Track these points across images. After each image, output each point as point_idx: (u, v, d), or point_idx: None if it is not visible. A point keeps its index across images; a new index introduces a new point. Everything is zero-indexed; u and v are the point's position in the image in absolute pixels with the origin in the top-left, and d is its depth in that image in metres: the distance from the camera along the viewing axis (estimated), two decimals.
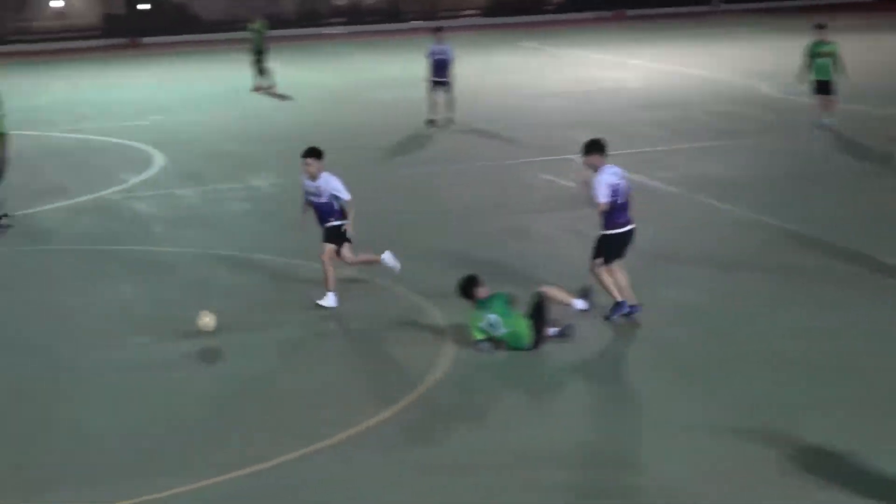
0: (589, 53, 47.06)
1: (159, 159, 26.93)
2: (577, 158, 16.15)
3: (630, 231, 15.68)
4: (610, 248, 15.62)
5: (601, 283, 15.66)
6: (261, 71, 38.18)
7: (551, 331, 14.94)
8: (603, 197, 15.35)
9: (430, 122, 30.62)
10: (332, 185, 16.71)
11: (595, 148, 15.55)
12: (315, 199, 16.87)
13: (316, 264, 17.21)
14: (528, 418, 12.93)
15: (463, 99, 32.56)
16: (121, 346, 15.53)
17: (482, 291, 15.10)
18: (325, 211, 16.84)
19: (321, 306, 16.48)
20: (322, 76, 42.12)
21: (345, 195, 16.73)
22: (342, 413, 13.10)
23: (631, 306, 15.64)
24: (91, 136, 30.34)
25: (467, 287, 15.19)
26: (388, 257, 17.50)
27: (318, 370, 14.53)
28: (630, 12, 62.41)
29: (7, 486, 11.69)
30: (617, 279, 15.66)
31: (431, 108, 30.95)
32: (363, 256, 17.36)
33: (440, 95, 30.94)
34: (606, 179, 15.38)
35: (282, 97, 37.03)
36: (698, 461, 11.61)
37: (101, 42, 52.02)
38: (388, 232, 19.77)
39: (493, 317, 14.78)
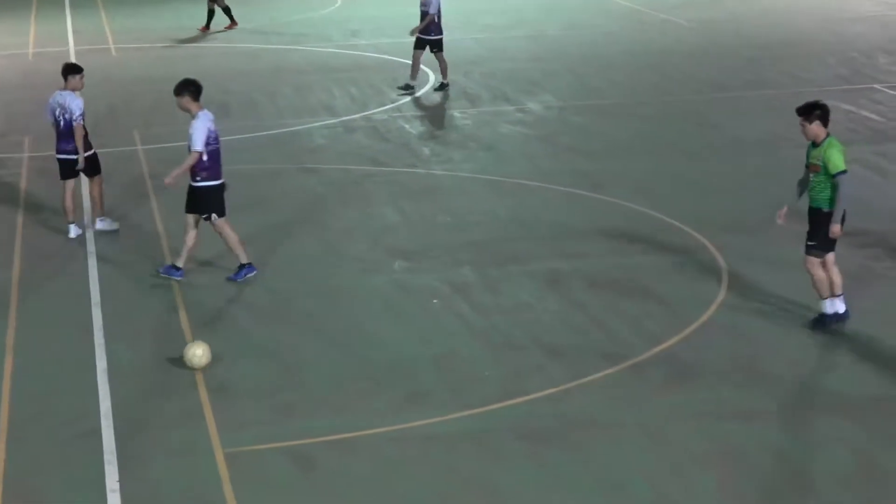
0: None
1: (433, 78, 27.38)
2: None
3: None
4: None
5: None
6: None
7: None
8: None
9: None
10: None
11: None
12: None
13: (584, 192, 17.28)
14: (799, 372, 12.94)
15: (763, 20, 31.76)
16: (381, 270, 16.14)
17: None
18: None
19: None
20: None
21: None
22: (609, 348, 13.49)
23: None
24: (364, 53, 31.03)
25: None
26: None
27: (587, 304, 14.81)
28: None
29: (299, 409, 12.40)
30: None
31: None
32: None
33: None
34: None
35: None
36: None
37: None
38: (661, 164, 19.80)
39: None
